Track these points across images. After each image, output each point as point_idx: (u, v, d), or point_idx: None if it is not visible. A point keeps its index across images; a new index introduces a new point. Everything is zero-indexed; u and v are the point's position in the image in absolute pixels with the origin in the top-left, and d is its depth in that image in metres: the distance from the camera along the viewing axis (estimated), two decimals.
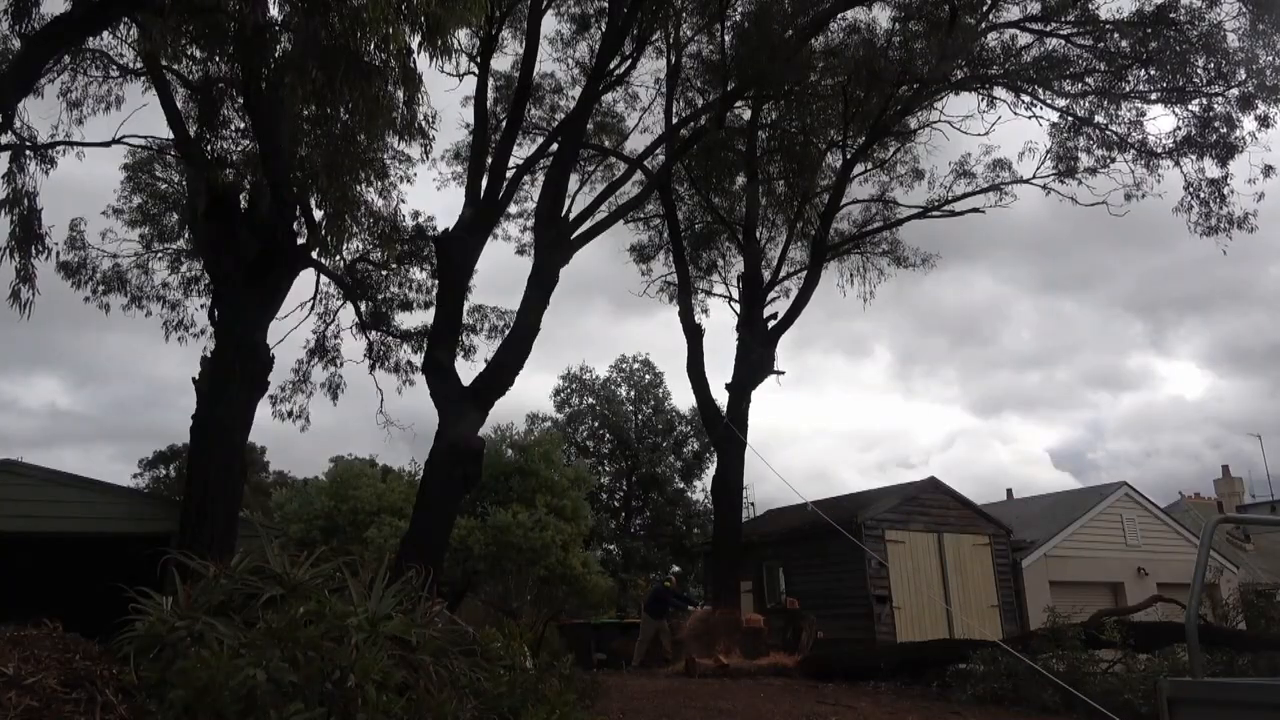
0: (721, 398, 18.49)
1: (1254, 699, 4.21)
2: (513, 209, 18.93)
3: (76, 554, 13.35)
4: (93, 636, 5.81)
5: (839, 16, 17.38)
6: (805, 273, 19.32)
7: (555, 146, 16.42)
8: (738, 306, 19.38)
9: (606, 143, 20.19)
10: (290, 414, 17.50)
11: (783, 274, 19.91)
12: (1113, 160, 17.98)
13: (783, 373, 18.85)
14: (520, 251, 20.39)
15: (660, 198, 19.41)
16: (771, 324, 18.74)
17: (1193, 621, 4.71)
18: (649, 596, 17.74)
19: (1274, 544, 27.91)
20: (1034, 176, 18.80)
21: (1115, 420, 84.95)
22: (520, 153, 17.12)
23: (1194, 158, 17.09)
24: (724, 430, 17.99)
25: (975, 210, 19.34)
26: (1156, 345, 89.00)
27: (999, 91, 18.19)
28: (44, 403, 64.53)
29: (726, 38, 18.01)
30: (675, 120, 18.49)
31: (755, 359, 18.44)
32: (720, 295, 20.80)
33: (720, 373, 18.97)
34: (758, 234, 19.69)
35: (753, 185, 18.95)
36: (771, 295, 19.48)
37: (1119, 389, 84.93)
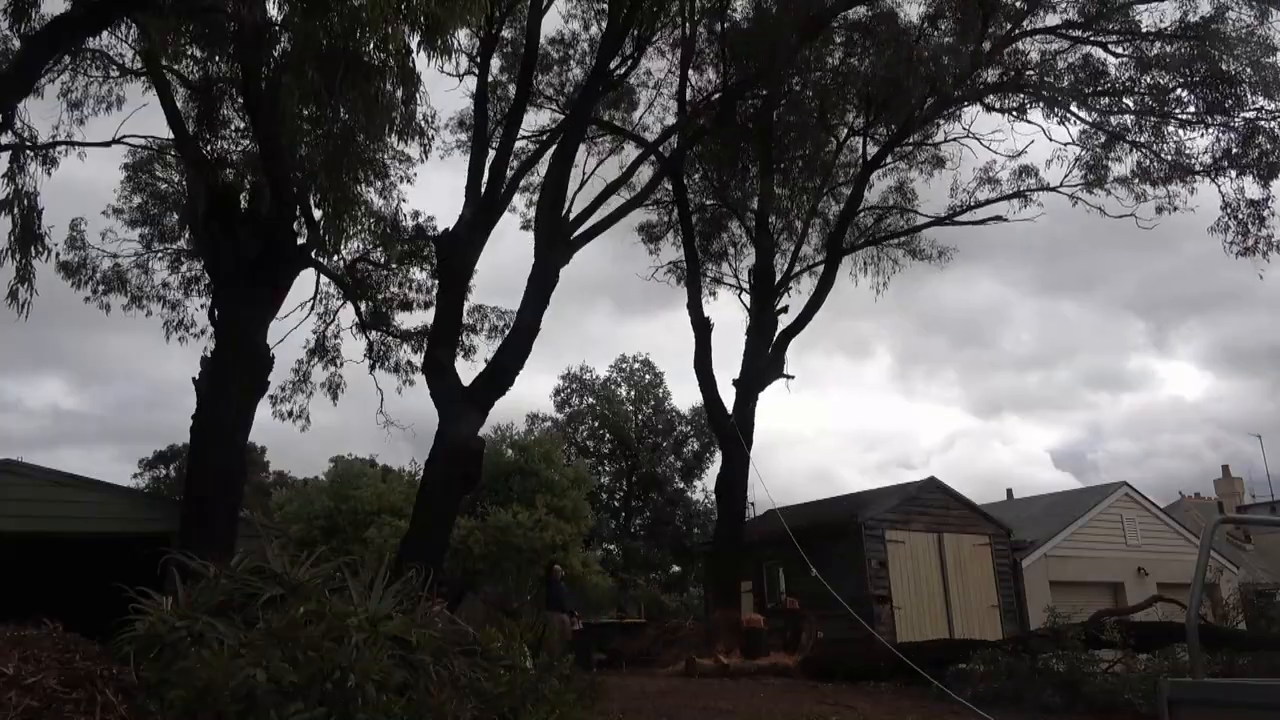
0: (728, 394, 18.39)
1: (1254, 699, 4.20)
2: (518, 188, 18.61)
3: (76, 554, 13.32)
4: (93, 636, 5.82)
5: (840, 16, 17.28)
6: (820, 270, 19.13)
7: (555, 145, 16.33)
8: (747, 299, 19.30)
9: (615, 119, 19.75)
10: (290, 414, 17.53)
11: (795, 270, 19.77)
12: (1148, 177, 17.50)
13: (792, 377, 18.73)
14: (525, 226, 19.56)
15: (671, 184, 19.16)
16: (782, 326, 18.66)
17: (1193, 621, 4.71)
18: (551, 588, 16.41)
19: (1274, 544, 27.86)
20: (1060, 185, 18.40)
21: (1115, 421, 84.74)
22: (528, 122, 16.81)
23: (1233, 175, 16.70)
24: (729, 430, 17.96)
25: (998, 218, 19.00)
26: (1157, 346, 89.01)
27: (1031, 113, 17.84)
28: (47, 403, 64.43)
29: (728, 32, 17.90)
30: (688, 109, 18.30)
31: (764, 362, 18.35)
32: (730, 285, 20.62)
33: (726, 368, 18.74)
34: (770, 226, 19.41)
35: (766, 179, 18.73)
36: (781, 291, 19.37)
37: (1119, 389, 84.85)
